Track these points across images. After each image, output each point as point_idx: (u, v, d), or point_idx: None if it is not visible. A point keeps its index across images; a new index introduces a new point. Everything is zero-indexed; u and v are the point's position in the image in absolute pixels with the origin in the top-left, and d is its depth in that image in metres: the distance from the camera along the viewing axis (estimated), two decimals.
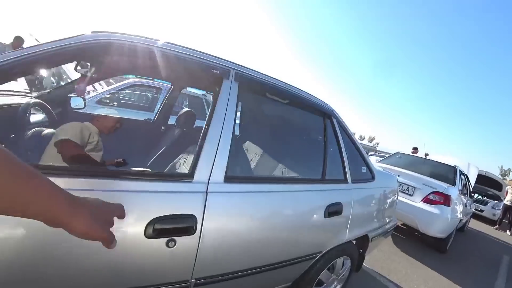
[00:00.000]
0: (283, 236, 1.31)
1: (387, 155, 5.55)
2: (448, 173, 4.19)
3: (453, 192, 3.73)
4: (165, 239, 0.94)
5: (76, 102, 2.34)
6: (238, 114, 1.39)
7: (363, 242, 2.01)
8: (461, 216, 4.09)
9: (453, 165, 4.33)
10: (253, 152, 1.84)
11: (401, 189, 3.90)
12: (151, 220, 0.90)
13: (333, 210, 1.52)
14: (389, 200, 2.21)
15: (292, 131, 2.06)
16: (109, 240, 0.48)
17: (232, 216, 1.12)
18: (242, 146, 1.97)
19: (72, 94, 2.40)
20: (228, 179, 1.12)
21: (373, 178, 1.97)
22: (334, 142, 1.72)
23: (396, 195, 2.39)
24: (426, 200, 3.61)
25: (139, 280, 0.95)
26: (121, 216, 0.57)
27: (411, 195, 3.78)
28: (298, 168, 1.69)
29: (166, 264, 0.97)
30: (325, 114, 1.72)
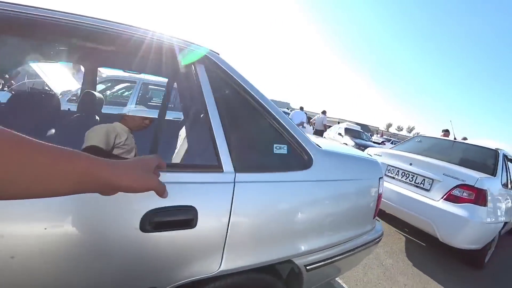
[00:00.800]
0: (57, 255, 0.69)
1: None
2: (486, 160, 3.04)
3: (492, 185, 2.62)
4: None
5: None
6: None
7: (294, 273, 1.20)
8: (507, 217, 2.94)
9: (493, 148, 3.15)
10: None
11: (414, 181, 2.88)
12: None
13: (165, 220, 0.79)
14: (351, 202, 1.35)
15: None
16: (161, 189, 0.53)
17: None
18: None
19: None
20: None
21: (307, 165, 1.13)
22: (196, 102, 1.00)
23: (376, 193, 1.50)
24: (449, 197, 2.57)
25: None
26: (162, 165, 0.58)
27: (427, 190, 2.75)
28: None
29: None
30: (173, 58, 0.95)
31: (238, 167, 0.93)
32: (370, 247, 1.54)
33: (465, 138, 5.35)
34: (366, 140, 10.64)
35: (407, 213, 2.76)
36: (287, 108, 12.72)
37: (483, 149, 3.19)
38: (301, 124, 8.82)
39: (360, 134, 11.26)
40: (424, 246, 3.30)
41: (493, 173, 2.80)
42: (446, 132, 4.85)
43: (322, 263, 1.23)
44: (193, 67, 1.00)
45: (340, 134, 11.06)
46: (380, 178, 1.55)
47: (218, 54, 1.08)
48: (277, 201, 1.03)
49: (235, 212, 0.91)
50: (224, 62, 1.06)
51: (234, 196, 0.90)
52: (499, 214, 2.72)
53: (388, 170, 3.17)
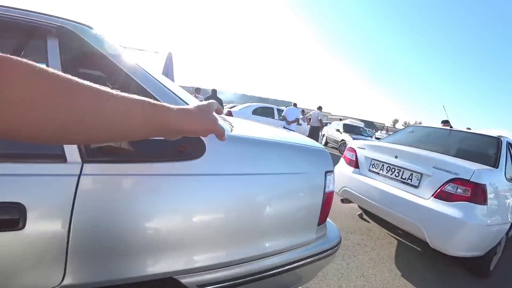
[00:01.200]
0: None
1: None
2: (486, 149, 2.59)
3: (493, 178, 2.18)
4: None
5: None
6: None
7: None
8: None
9: (495, 135, 2.69)
10: None
11: (400, 177, 2.45)
12: None
13: None
14: (272, 204, 0.99)
15: None
16: (220, 132, 0.56)
17: None
18: None
19: None
20: None
21: (194, 154, 0.83)
22: None
23: (321, 191, 1.13)
24: (441, 195, 2.14)
25: None
26: (219, 111, 0.61)
27: (416, 187, 2.32)
28: None
29: None
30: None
31: (88, 156, 0.72)
32: (315, 262, 1.16)
33: (468, 129, 4.83)
34: (366, 136, 10.18)
35: (392, 214, 2.35)
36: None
37: (483, 137, 2.74)
38: (296, 120, 8.43)
39: (360, 130, 10.79)
40: (419, 251, 2.86)
41: (494, 164, 2.36)
42: (446, 123, 4.35)
43: (227, 283, 0.90)
44: (45, 42, 0.80)
45: (338, 130, 10.60)
46: (327, 172, 1.17)
47: (91, 28, 0.86)
48: (142, 200, 0.77)
49: (79, 213, 0.70)
50: (94, 36, 0.85)
51: (77, 193, 0.70)
52: (504, 213, 2.27)
53: (372, 165, 2.76)
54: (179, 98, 0.88)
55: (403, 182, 2.42)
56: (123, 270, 0.76)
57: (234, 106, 11.51)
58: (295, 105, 8.69)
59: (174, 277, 0.83)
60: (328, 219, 1.54)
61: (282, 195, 1.01)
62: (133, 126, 0.40)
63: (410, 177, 2.38)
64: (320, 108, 8.97)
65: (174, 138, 0.50)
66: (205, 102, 0.56)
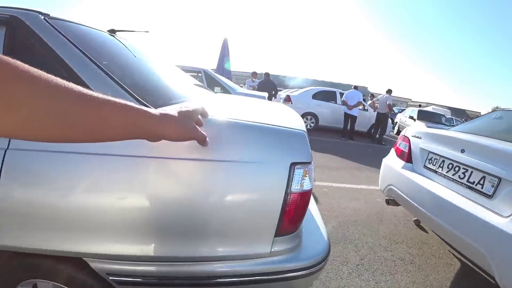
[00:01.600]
0: None
1: None
2: None
3: None
4: None
5: None
6: None
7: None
8: None
9: None
10: None
11: (466, 180, 1.75)
12: None
13: None
14: (190, 195, 0.78)
15: None
16: (201, 138, 0.58)
17: None
18: None
19: None
20: None
21: None
22: None
23: (281, 189, 0.80)
24: None
25: None
26: (205, 114, 0.65)
27: (488, 197, 1.61)
28: None
29: None
30: None
31: None
32: (268, 283, 0.83)
33: None
34: (447, 126, 8.40)
35: (447, 230, 1.71)
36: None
37: None
38: (358, 104, 7.52)
39: (440, 118, 8.95)
40: (490, 284, 2.09)
41: None
42: None
43: (140, 279, 0.84)
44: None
45: (411, 117, 9.02)
46: (296, 164, 0.80)
47: (40, 14, 0.84)
48: (63, 176, 0.76)
49: (3, 184, 0.74)
50: (42, 24, 0.81)
51: (3, 166, 0.74)
52: None
53: (429, 160, 2.08)
54: (138, 99, 0.80)
55: (470, 188, 1.72)
56: (31, 240, 0.78)
57: (295, 91, 11.03)
58: (356, 88, 7.71)
59: (84, 258, 0.82)
60: (322, 226, 1.15)
61: (212, 187, 0.75)
62: (114, 129, 0.41)
63: (481, 182, 1.67)
64: (389, 91, 7.71)
65: (155, 141, 0.50)
66: (190, 108, 0.56)
